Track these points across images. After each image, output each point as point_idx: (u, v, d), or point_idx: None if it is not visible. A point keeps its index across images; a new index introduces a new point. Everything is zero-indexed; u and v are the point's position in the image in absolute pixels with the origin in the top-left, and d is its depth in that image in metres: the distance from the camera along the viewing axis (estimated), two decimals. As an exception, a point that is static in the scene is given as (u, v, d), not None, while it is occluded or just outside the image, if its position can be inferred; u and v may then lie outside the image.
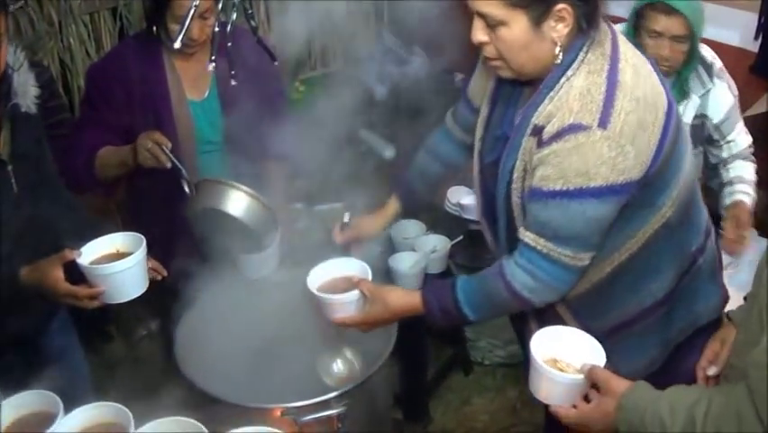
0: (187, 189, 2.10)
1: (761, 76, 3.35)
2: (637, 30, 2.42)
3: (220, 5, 1.99)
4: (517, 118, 1.75)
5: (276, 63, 2.25)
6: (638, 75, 1.64)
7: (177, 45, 1.92)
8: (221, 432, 1.59)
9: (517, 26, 1.61)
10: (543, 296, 1.71)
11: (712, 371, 1.69)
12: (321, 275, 1.92)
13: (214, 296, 2.15)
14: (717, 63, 2.55)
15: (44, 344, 2.06)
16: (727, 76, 2.57)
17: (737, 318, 1.67)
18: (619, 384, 1.42)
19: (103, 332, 3.32)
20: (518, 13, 1.59)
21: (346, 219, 2.16)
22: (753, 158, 2.62)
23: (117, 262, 1.73)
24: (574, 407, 1.48)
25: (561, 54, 1.64)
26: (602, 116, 1.57)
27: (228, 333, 2.15)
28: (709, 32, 2.95)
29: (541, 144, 1.63)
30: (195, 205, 2.10)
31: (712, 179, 2.66)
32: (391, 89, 4.06)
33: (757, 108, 3.31)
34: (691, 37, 2.37)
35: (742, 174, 2.58)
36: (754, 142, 2.65)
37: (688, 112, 2.51)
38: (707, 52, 2.54)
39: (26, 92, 1.82)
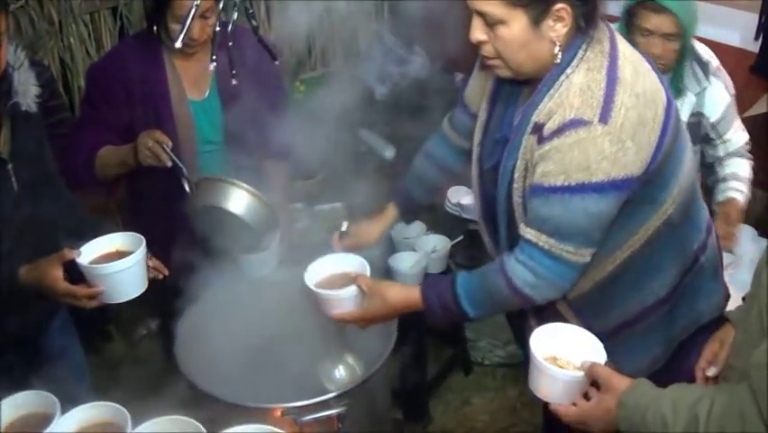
0: (187, 188, 2.10)
1: (761, 76, 3.34)
2: (630, 28, 2.42)
3: (221, 5, 1.99)
4: (516, 118, 1.75)
5: (277, 63, 2.25)
6: (637, 72, 1.65)
7: (178, 45, 1.92)
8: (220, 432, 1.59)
9: (517, 25, 1.61)
10: (544, 293, 1.70)
11: (711, 372, 1.68)
12: (319, 272, 1.92)
13: (214, 295, 2.15)
14: (714, 62, 2.55)
15: (45, 343, 2.06)
16: (724, 74, 2.56)
17: (736, 319, 1.66)
18: (620, 382, 1.42)
19: (103, 332, 3.32)
20: (518, 12, 1.60)
21: (344, 227, 2.15)
22: (749, 155, 2.62)
23: (116, 262, 1.73)
24: (574, 405, 1.47)
25: (560, 54, 1.64)
26: (603, 112, 1.57)
27: (228, 332, 2.15)
28: (709, 32, 2.96)
29: (542, 141, 1.63)
30: (195, 202, 2.10)
31: (708, 177, 2.66)
32: (391, 89, 4.07)
33: (757, 108, 3.31)
34: (683, 35, 2.37)
35: (737, 171, 2.58)
36: (754, 143, 2.65)
37: (684, 110, 2.51)
38: (703, 51, 2.54)
39: (27, 91, 1.82)
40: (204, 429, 1.56)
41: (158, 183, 2.26)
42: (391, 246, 2.63)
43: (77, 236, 1.78)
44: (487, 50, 1.68)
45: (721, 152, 2.59)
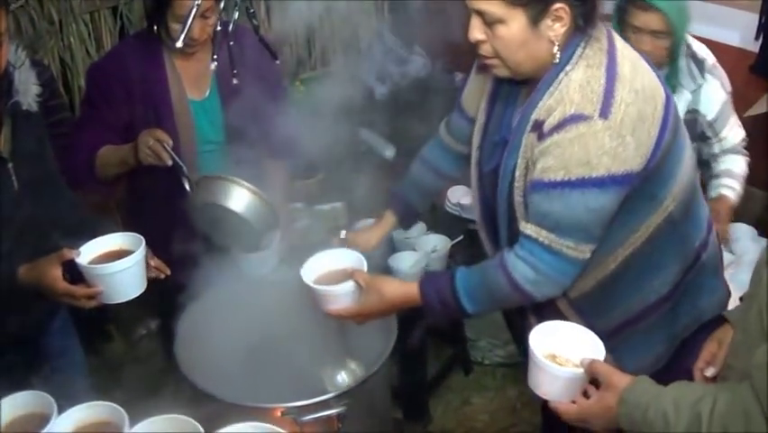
0: (187, 187, 2.10)
1: (761, 76, 3.34)
2: (621, 26, 2.42)
3: (222, 5, 1.99)
4: (516, 118, 1.75)
5: (278, 62, 2.25)
6: (636, 69, 1.66)
7: (179, 44, 1.92)
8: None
9: (515, 24, 1.62)
10: (543, 289, 1.70)
11: (710, 372, 1.67)
12: (316, 268, 1.91)
13: (214, 295, 2.15)
14: (710, 59, 2.55)
15: (45, 343, 2.06)
16: (721, 72, 2.56)
17: (734, 319, 1.66)
18: (621, 379, 1.41)
19: (103, 332, 3.32)
20: (517, 11, 1.60)
21: (343, 235, 2.15)
22: (745, 151, 2.61)
23: (115, 263, 1.72)
24: (573, 403, 1.47)
25: (558, 53, 1.65)
26: (603, 107, 1.58)
27: (229, 331, 2.15)
28: (710, 31, 2.96)
29: (542, 137, 1.64)
30: (196, 200, 2.10)
31: (704, 174, 2.66)
32: (391, 89, 4.07)
33: (757, 108, 3.31)
34: (674, 33, 2.37)
35: (731, 168, 2.58)
36: (754, 143, 2.65)
37: (679, 107, 2.50)
38: (699, 48, 2.54)
39: (27, 90, 1.82)
40: (201, 428, 1.56)
41: (158, 182, 2.26)
42: (391, 246, 2.63)
43: (77, 236, 1.78)
44: (485, 49, 1.68)
45: (716, 149, 2.59)
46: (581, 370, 1.45)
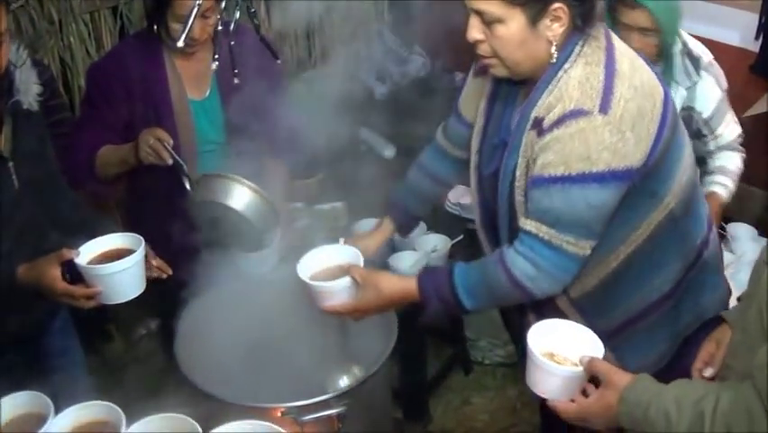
0: (187, 186, 2.10)
1: (761, 76, 3.35)
2: (613, 23, 2.42)
3: (222, 4, 1.99)
4: (515, 118, 1.75)
5: (279, 61, 2.25)
6: (634, 66, 1.67)
7: (180, 44, 1.91)
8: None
9: (514, 24, 1.62)
10: (543, 286, 1.69)
11: (708, 372, 1.66)
12: (312, 264, 1.90)
13: (214, 294, 2.15)
14: (706, 57, 2.54)
15: (45, 343, 2.06)
16: (717, 69, 2.55)
17: (733, 319, 1.66)
18: (621, 377, 1.40)
19: (103, 331, 3.32)
20: (516, 11, 1.61)
21: (341, 243, 2.15)
22: (741, 148, 2.60)
23: (115, 263, 1.72)
24: (572, 401, 1.46)
25: (556, 53, 1.65)
26: (602, 103, 1.58)
27: (229, 331, 2.15)
28: (710, 31, 2.97)
29: (542, 133, 1.64)
30: (196, 198, 2.10)
31: (699, 170, 2.66)
32: (391, 88, 4.07)
33: (757, 108, 3.31)
34: (662, 30, 2.37)
35: (725, 165, 2.57)
36: (754, 143, 2.64)
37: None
38: (695, 45, 2.53)
39: (28, 89, 1.82)
40: (198, 427, 1.56)
41: (158, 182, 2.26)
42: (391, 246, 2.63)
43: (77, 235, 1.78)
44: (483, 49, 1.69)
45: (712, 146, 2.59)
46: (580, 368, 1.44)
